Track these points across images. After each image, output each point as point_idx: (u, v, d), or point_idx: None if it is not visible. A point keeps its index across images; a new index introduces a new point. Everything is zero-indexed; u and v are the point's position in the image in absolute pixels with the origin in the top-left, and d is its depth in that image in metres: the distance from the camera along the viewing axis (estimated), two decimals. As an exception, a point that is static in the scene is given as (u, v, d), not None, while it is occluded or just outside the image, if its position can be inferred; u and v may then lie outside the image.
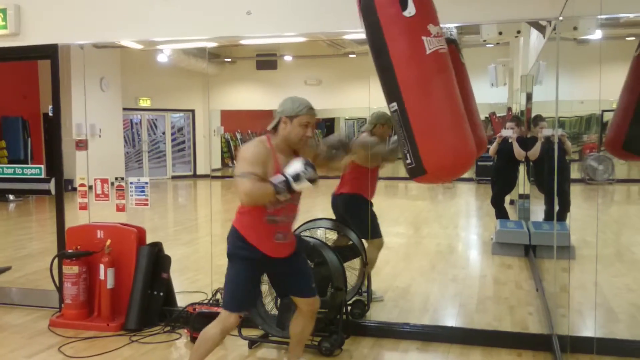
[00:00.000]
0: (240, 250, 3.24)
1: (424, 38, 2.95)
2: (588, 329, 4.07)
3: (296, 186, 3.06)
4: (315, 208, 4.85)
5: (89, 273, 4.65)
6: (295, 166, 3.08)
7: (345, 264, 4.38)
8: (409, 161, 3.03)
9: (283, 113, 3.24)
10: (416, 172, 3.04)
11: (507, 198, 8.57)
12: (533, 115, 8.16)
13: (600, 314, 4.06)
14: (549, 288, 4.94)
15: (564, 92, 4.39)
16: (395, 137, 4.73)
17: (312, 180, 3.08)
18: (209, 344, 3.26)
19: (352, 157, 4.44)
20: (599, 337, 3.95)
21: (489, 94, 12.51)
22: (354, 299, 4.67)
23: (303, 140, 3.25)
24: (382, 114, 4.85)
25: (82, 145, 6.16)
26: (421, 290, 5.64)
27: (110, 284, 4.55)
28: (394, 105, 3.02)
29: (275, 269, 3.38)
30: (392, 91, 3.03)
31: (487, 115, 16.90)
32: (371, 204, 4.91)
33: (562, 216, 5.68)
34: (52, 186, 4.91)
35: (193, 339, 4.22)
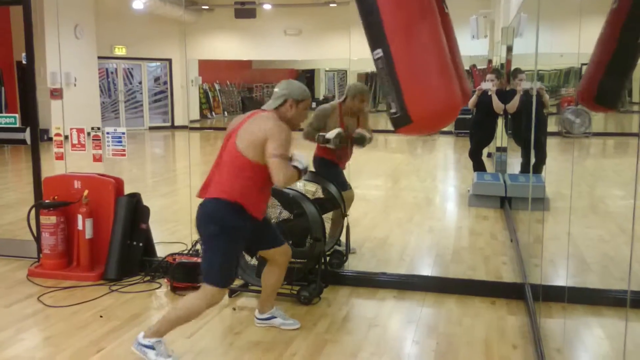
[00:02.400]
0: (231, 221, 3.19)
1: None
2: (560, 279, 4.17)
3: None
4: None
5: (67, 223, 4.64)
6: (332, 134, 3.77)
7: (324, 216, 4.42)
8: (393, 110, 2.95)
9: (291, 96, 3.33)
10: (401, 122, 2.96)
11: (485, 151, 8.65)
12: (513, 67, 8.16)
13: (573, 264, 4.15)
14: (523, 239, 5.04)
15: (544, 45, 4.39)
16: (359, 130, 4.75)
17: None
18: (192, 315, 3.24)
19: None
20: (570, 286, 4.05)
21: (469, 46, 12.45)
22: (332, 249, 4.73)
23: (301, 123, 3.49)
24: (354, 86, 4.81)
25: (57, 94, 6.06)
26: (398, 241, 5.73)
27: (88, 234, 4.54)
28: (379, 52, 2.91)
29: (253, 232, 3.38)
30: (376, 37, 2.91)
31: (468, 68, 16.87)
32: (337, 165, 4.92)
33: (538, 169, 5.75)
34: (27, 136, 4.84)
35: (173, 289, 4.26)
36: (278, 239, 3.59)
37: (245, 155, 3.17)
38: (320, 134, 4.61)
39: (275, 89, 3.39)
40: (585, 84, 3.67)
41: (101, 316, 3.84)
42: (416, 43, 2.89)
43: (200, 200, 3.28)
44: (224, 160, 3.26)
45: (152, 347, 3.18)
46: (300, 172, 3.28)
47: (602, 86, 3.39)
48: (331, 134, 4.50)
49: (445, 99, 2.92)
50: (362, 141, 4.73)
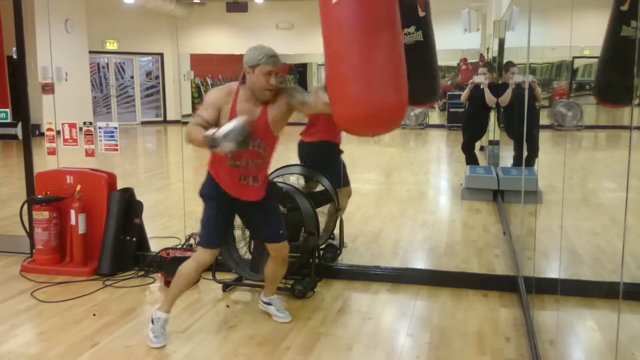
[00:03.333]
0: (209, 191, 3.42)
1: None
2: (553, 271, 4.20)
3: (217, 148, 2.99)
4: (289, 154, 4.85)
5: (60, 219, 4.62)
6: (227, 126, 3.00)
7: (318, 210, 4.42)
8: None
9: (246, 63, 3.26)
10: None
11: (478, 144, 8.67)
12: (504, 61, 8.18)
13: (565, 256, 4.18)
14: (516, 231, 5.07)
15: (536, 39, 4.40)
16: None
17: (241, 145, 3.00)
18: (184, 278, 3.46)
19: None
20: (563, 278, 4.08)
21: (461, 39, 12.46)
22: (326, 243, 4.74)
23: (267, 89, 3.24)
24: None
25: (48, 88, 6.03)
26: (392, 234, 5.74)
27: (81, 229, 4.52)
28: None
29: (244, 211, 3.55)
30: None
31: (457, 62, 16.89)
32: (341, 151, 4.85)
33: (530, 162, 5.78)
34: (19, 131, 4.81)
35: (167, 283, 4.25)
36: (272, 236, 3.57)
37: None
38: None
39: None
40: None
41: (94, 314, 3.82)
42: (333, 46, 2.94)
43: None
44: None
45: (152, 322, 3.43)
46: (205, 138, 3.01)
47: (598, 82, 3.41)
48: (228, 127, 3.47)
49: (363, 104, 2.86)
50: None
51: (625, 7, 3.40)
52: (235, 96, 3.29)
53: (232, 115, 3.22)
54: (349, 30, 2.88)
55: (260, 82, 3.22)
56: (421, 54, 3.69)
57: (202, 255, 3.44)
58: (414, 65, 3.23)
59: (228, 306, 3.98)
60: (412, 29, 3.64)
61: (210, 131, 3.03)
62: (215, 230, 3.45)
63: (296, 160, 4.78)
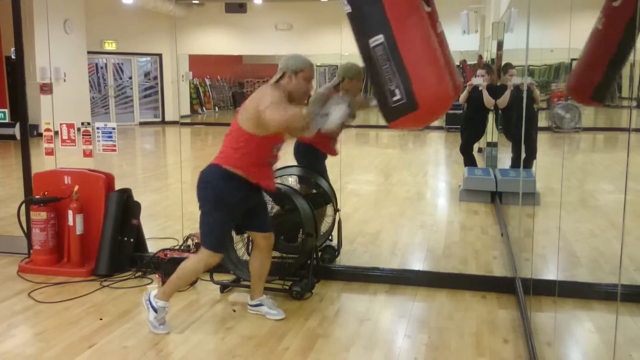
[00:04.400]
0: (228, 190, 3.40)
1: None
2: (550, 273, 4.20)
3: (326, 125, 3.02)
4: (286, 156, 4.84)
5: (58, 219, 4.61)
6: (339, 111, 3.02)
7: (316, 211, 4.42)
8: (398, 97, 2.89)
9: (288, 68, 3.40)
10: (406, 109, 2.91)
11: (476, 146, 8.68)
12: (503, 63, 8.18)
13: (563, 258, 4.18)
14: (514, 233, 5.07)
15: (535, 40, 4.40)
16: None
17: (344, 122, 3.14)
18: (189, 276, 3.60)
19: None
20: (561, 280, 4.08)
21: (460, 41, 12.45)
22: (324, 244, 4.74)
23: (307, 95, 3.49)
24: (351, 67, 4.39)
25: (46, 89, 6.02)
26: (390, 236, 5.74)
27: (79, 229, 4.52)
28: (379, 38, 2.88)
29: (247, 204, 3.58)
30: (377, 23, 2.90)
31: (459, 63, 16.88)
32: (325, 156, 4.73)
33: (528, 164, 5.78)
34: (17, 131, 4.81)
35: (164, 284, 4.24)
36: (264, 225, 3.70)
37: (242, 126, 3.37)
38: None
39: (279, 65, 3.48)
40: (580, 79, 3.67)
41: (101, 319, 3.76)
42: (416, 32, 2.91)
43: None
44: (226, 138, 3.48)
45: (155, 310, 3.53)
46: (314, 115, 3.04)
47: (602, 84, 3.40)
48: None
49: (447, 85, 2.96)
50: (370, 101, 4.19)
51: (617, 3, 3.39)
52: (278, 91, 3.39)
53: None
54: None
55: (301, 87, 3.42)
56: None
57: (212, 259, 3.51)
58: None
59: (234, 310, 3.91)
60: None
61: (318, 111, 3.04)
62: (226, 235, 3.61)
63: (293, 162, 4.77)
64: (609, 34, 3.28)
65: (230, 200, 3.42)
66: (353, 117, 3.31)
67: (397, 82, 2.89)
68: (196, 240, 4.66)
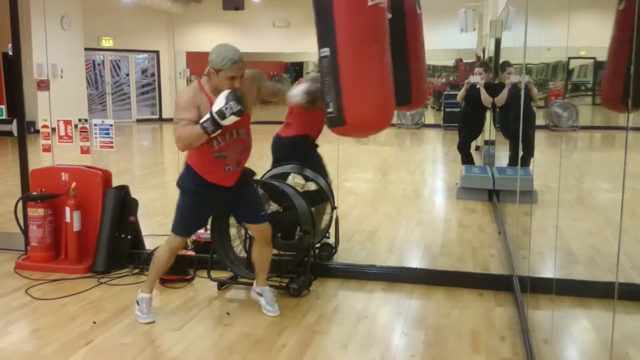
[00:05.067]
0: (189, 184, 3.53)
1: None
2: (548, 271, 4.21)
3: (223, 122, 3.20)
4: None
5: (55, 216, 4.61)
6: (219, 102, 3.21)
7: (313, 208, 4.42)
8: (330, 109, 3.11)
9: (211, 64, 3.33)
10: (335, 122, 3.14)
11: (473, 144, 8.69)
12: (501, 61, 8.19)
13: (560, 256, 4.19)
14: (511, 231, 5.07)
15: (532, 39, 4.41)
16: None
17: (238, 113, 3.20)
18: (159, 261, 3.69)
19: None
20: (558, 278, 4.09)
21: (457, 39, 12.47)
22: (321, 242, 4.74)
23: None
24: None
25: (43, 85, 5.99)
26: (387, 233, 5.74)
27: (76, 226, 4.51)
28: (326, 50, 3.06)
29: (224, 198, 3.63)
30: (326, 36, 3.07)
31: (454, 62, 16.89)
32: (317, 145, 4.75)
33: (526, 162, 5.78)
34: (14, 127, 4.80)
35: (162, 281, 4.25)
36: (253, 217, 3.71)
37: None
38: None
39: None
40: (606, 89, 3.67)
41: (94, 322, 3.70)
42: (364, 50, 3.03)
43: None
44: None
45: (137, 303, 3.67)
46: (202, 127, 3.20)
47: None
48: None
49: (381, 109, 3.11)
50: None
51: (621, 7, 3.40)
52: (204, 92, 3.37)
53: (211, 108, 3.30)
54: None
55: (223, 85, 3.30)
56: None
57: (175, 241, 3.63)
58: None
59: (228, 314, 3.85)
60: None
61: (203, 119, 3.22)
62: (188, 221, 3.64)
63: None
64: (621, 36, 3.29)
65: (189, 190, 3.53)
66: (237, 106, 3.20)
67: (332, 97, 3.08)
68: (194, 238, 4.66)
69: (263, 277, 3.89)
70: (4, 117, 4.88)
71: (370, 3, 2.99)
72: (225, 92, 3.23)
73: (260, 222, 3.72)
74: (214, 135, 3.25)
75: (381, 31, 3.09)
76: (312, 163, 4.66)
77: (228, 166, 3.46)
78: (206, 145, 3.36)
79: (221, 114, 3.18)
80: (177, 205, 3.63)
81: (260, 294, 3.86)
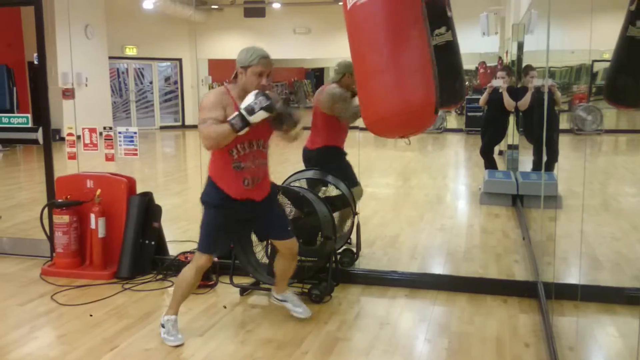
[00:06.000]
0: (211, 199, 3.44)
1: None
2: (573, 277, 4.16)
3: (252, 118, 3.14)
4: (299, 158, 4.85)
5: (80, 222, 4.66)
6: (248, 99, 3.17)
7: (334, 214, 4.42)
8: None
9: (238, 63, 3.32)
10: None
11: (496, 149, 8.62)
12: (523, 65, 8.13)
13: (585, 261, 4.14)
14: (536, 237, 5.02)
15: (555, 42, 4.37)
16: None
17: (268, 109, 3.15)
18: (185, 282, 3.52)
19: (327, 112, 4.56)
20: (583, 284, 4.04)
21: (480, 43, 12.39)
22: (343, 248, 4.73)
23: (260, 90, 3.26)
24: (350, 63, 4.34)
25: (68, 94, 6.09)
26: (409, 239, 5.71)
27: (101, 233, 4.56)
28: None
29: (248, 215, 3.54)
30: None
31: (477, 66, 16.77)
32: (345, 153, 4.84)
33: (550, 166, 5.72)
34: (39, 135, 4.87)
35: (185, 287, 4.27)
36: (279, 233, 3.63)
37: None
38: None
39: None
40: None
41: (91, 315, 3.84)
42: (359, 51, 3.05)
43: None
44: None
45: (163, 326, 3.52)
46: (230, 123, 3.15)
47: (609, 83, 3.39)
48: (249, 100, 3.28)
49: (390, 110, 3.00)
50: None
51: (633, 7, 3.38)
52: (231, 96, 3.35)
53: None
54: (373, 30, 2.94)
55: (252, 82, 3.29)
56: (453, 54, 3.67)
57: (201, 260, 3.49)
58: (447, 65, 3.31)
59: (225, 307, 4.00)
60: (443, 29, 3.61)
61: (231, 116, 3.17)
62: (214, 238, 3.51)
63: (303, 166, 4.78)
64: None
65: (213, 204, 3.43)
66: (267, 102, 3.14)
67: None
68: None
69: (284, 285, 3.87)
70: (30, 125, 4.96)
71: (349, 6, 3.04)
72: (254, 91, 3.20)
73: (287, 237, 3.64)
74: (241, 133, 3.16)
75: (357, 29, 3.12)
76: (341, 171, 4.68)
77: (247, 179, 3.39)
78: (226, 154, 3.33)
79: (250, 109, 3.12)
80: (201, 221, 3.52)
81: (284, 300, 3.85)
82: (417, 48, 2.88)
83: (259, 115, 3.14)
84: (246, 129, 3.17)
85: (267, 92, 3.22)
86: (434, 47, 3.08)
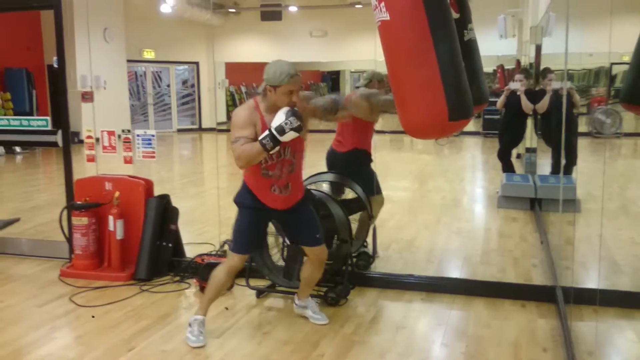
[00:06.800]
0: (244, 199, 3.51)
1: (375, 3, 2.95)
2: (591, 281, 4.12)
3: (282, 137, 3.19)
4: (321, 162, 4.85)
5: (98, 224, 4.70)
6: (278, 118, 3.22)
7: (351, 217, 4.41)
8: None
9: (267, 82, 3.33)
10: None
11: (514, 152, 8.56)
12: (542, 67, 8.07)
13: (604, 266, 4.10)
14: (554, 241, 4.98)
15: (574, 44, 4.33)
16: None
17: (297, 129, 3.20)
18: (216, 282, 3.57)
19: (351, 111, 4.49)
20: (602, 288, 4.00)
21: (497, 45, 12.32)
22: (359, 251, 4.72)
23: (292, 106, 3.32)
24: (378, 72, 4.70)
25: (87, 97, 6.16)
26: (426, 242, 5.69)
27: (119, 235, 4.60)
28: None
29: (279, 218, 3.67)
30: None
31: (494, 69, 16.68)
32: (371, 160, 4.83)
33: (568, 169, 5.68)
34: (58, 138, 4.92)
35: (202, 289, 4.29)
36: (308, 240, 3.64)
37: None
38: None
39: None
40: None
41: (93, 316, 3.89)
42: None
43: None
44: None
45: (190, 325, 3.55)
46: (261, 143, 3.20)
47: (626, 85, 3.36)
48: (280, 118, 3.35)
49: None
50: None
51: None
52: (259, 111, 3.37)
53: (264, 128, 3.30)
54: (386, 47, 3.00)
55: (282, 101, 3.30)
56: (478, 52, 3.65)
57: (233, 260, 3.55)
58: (477, 63, 3.32)
59: (227, 308, 4.02)
60: (471, 25, 3.58)
61: (262, 135, 3.23)
62: (246, 238, 3.56)
63: (325, 168, 4.78)
64: None
65: (245, 205, 3.50)
66: (297, 122, 3.19)
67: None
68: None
69: (307, 292, 3.88)
70: (50, 128, 5.02)
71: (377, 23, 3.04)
72: (285, 109, 3.24)
73: (315, 245, 3.64)
74: (272, 152, 3.26)
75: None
76: (367, 176, 4.68)
77: (274, 186, 3.43)
78: (260, 167, 3.39)
79: (280, 129, 3.17)
80: (234, 222, 3.58)
81: (304, 307, 3.86)
82: (427, 63, 2.90)
83: (289, 136, 3.21)
84: (277, 148, 3.25)
85: (297, 110, 3.27)
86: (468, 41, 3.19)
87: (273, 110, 3.31)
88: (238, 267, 3.59)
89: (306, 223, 3.63)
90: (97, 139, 4.93)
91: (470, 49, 3.49)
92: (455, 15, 3.30)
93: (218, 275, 3.57)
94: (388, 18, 2.91)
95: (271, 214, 3.56)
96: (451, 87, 2.84)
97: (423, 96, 2.91)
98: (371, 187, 4.72)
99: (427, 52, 2.84)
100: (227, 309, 4.02)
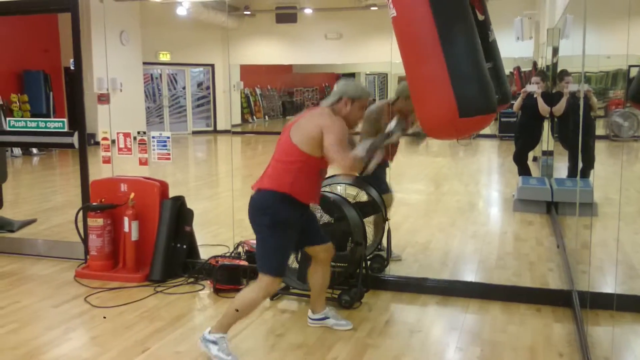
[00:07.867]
0: (281, 214, 3.27)
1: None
2: (608, 286, 4.07)
3: (383, 145, 3.55)
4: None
5: (114, 225, 4.73)
6: (393, 124, 3.55)
7: (366, 220, 4.40)
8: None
9: (346, 94, 3.39)
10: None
11: (531, 155, 8.50)
12: (559, 70, 8.01)
13: (621, 270, 4.04)
14: (570, 245, 4.93)
15: (591, 47, 4.29)
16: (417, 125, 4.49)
17: (396, 137, 3.60)
18: (248, 305, 3.35)
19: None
20: (619, 293, 3.95)
21: (514, 47, 12.24)
22: (373, 253, 4.71)
23: (358, 122, 3.58)
24: (407, 87, 4.56)
25: (104, 99, 6.19)
26: (441, 246, 5.66)
27: (134, 236, 4.62)
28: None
29: (301, 224, 3.49)
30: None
31: (511, 70, 16.58)
32: (387, 165, 4.81)
33: (585, 173, 5.62)
34: (75, 140, 4.95)
35: (216, 290, 4.31)
36: (322, 237, 3.63)
37: (299, 147, 3.25)
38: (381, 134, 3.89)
39: (335, 87, 3.49)
40: None
41: (104, 317, 3.91)
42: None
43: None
44: (276, 154, 3.37)
45: (215, 342, 3.30)
46: (364, 157, 3.31)
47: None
48: (392, 125, 3.66)
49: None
50: (421, 136, 4.53)
51: None
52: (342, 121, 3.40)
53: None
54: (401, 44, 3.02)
55: (356, 114, 3.45)
56: (499, 53, 3.63)
57: (272, 286, 3.31)
58: (498, 63, 3.33)
59: (237, 310, 3.93)
60: (491, 27, 3.57)
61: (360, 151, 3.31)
62: (286, 259, 3.47)
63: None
64: None
65: (286, 220, 3.28)
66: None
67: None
68: (247, 248, 4.71)
69: (323, 300, 3.81)
70: (66, 129, 5.06)
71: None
72: (395, 119, 3.58)
73: (327, 241, 3.62)
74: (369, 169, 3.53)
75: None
76: (377, 174, 4.66)
77: (319, 183, 3.51)
78: (317, 160, 3.28)
79: (393, 132, 3.52)
80: (266, 245, 3.31)
81: (324, 318, 3.76)
82: (433, 59, 2.88)
83: (393, 138, 3.58)
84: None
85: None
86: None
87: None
88: (276, 290, 3.58)
89: (314, 221, 3.67)
90: (113, 141, 4.96)
91: (494, 50, 3.49)
92: (480, 17, 3.29)
93: (254, 299, 3.32)
94: (395, 14, 2.93)
95: (300, 218, 3.39)
96: (460, 83, 2.82)
97: (432, 92, 2.90)
98: (382, 184, 4.69)
99: (434, 48, 2.83)
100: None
